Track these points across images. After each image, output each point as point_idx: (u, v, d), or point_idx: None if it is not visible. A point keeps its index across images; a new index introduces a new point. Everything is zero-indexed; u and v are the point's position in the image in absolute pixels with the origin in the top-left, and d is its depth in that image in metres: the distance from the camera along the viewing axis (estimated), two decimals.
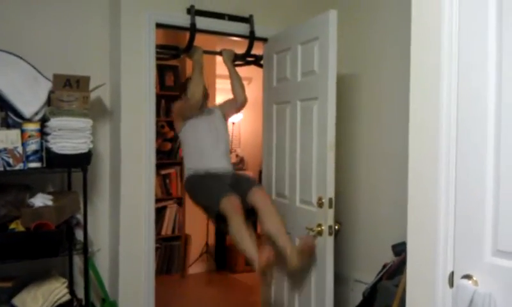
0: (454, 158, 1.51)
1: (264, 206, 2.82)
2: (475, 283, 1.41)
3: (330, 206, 2.61)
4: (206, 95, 3.25)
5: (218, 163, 3.08)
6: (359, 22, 3.07)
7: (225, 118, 3.37)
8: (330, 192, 2.61)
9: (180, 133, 3.24)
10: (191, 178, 3.09)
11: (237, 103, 3.37)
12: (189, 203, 5.06)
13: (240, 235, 2.62)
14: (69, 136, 2.49)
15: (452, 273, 1.51)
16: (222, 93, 4.66)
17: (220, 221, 2.77)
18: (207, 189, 2.90)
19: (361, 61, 3.06)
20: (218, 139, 3.16)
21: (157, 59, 3.07)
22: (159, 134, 4.67)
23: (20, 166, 2.41)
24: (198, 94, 3.04)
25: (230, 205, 2.66)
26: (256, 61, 3.54)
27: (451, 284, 1.51)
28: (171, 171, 5.07)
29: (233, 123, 5.81)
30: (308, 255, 2.64)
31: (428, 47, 1.62)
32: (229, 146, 3.29)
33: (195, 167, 3.07)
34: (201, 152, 3.09)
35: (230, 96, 3.42)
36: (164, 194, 5.04)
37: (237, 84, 3.33)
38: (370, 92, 3.01)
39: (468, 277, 1.42)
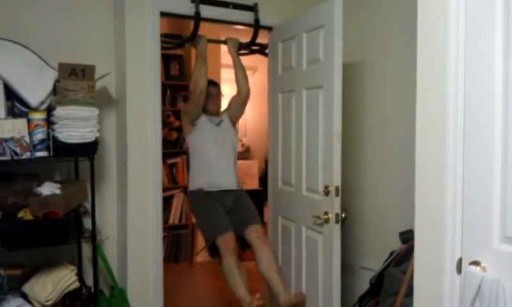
0: (462, 145, 1.51)
1: (260, 247, 2.90)
2: (483, 269, 1.40)
3: (337, 195, 2.61)
4: (218, 103, 3.28)
5: (222, 178, 3.10)
6: (364, 9, 3.04)
7: (234, 121, 3.37)
8: (337, 180, 2.61)
9: (187, 138, 3.27)
10: (193, 194, 3.14)
11: (241, 95, 3.34)
12: None
13: (232, 275, 2.79)
14: (75, 125, 2.49)
15: (460, 259, 1.51)
16: (227, 82, 4.64)
17: (213, 251, 2.89)
18: (206, 218, 2.97)
19: (367, 48, 3.04)
20: (224, 152, 3.17)
21: (162, 48, 3.06)
22: (165, 124, 4.67)
23: (27, 155, 2.42)
24: (201, 83, 3.04)
25: (225, 245, 2.79)
26: (261, 49, 3.52)
27: (459, 270, 1.51)
28: (178, 160, 5.08)
29: None
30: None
31: (435, 36, 1.60)
32: (235, 159, 3.28)
33: (199, 182, 3.11)
34: (206, 166, 3.11)
35: (235, 85, 3.40)
36: (171, 183, 5.06)
37: (241, 74, 3.31)
38: (376, 80, 2.99)
39: (476, 263, 1.42)
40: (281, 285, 2.77)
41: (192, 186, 3.17)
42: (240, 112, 3.43)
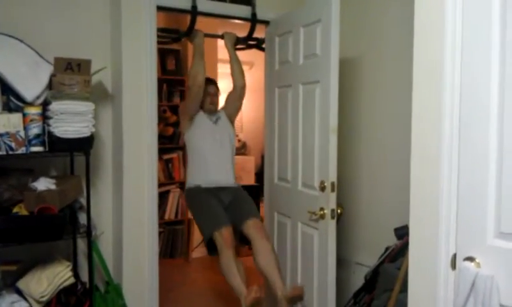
0: (457, 141, 1.51)
1: (259, 241, 2.84)
2: (478, 265, 1.41)
3: (332, 190, 2.60)
4: (216, 102, 3.27)
5: (220, 176, 3.09)
6: (362, 4, 3.03)
7: (232, 118, 3.35)
8: (332, 176, 2.61)
9: (185, 136, 3.24)
10: (191, 191, 3.12)
11: (236, 90, 3.33)
12: None
13: (229, 270, 2.72)
14: (71, 120, 2.47)
15: (455, 255, 1.51)
16: (224, 77, 4.63)
17: (212, 248, 2.87)
18: (203, 214, 2.95)
19: (364, 43, 3.03)
20: (222, 149, 3.16)
21: (158, 42, 3.04)
22: (161, 119, 4.66)
23: (22, 150, 2.40)
24: (200, 78, 3.03)
25: (222, 239, 2.75)
26: (258, 44, 3.51)
27: (453, 266, 1.52)
28: (174, 155, 5.07)
29: None
30: (297, 300, 2.70)
31: (431, 30, 1.60)
32: (234, 156, 3.26)
33: (196, 179, 3.10)
34: (204, 163, 3.09)
35: (231, 80, 3.39)
36: (166, 179, 5.05)
37: (237, 68, 3.30)
38: (373, 75, 2.99)
39: (470, 259, 1.43)
40: (280, 281, 2.71)
41: (190, 183, 3.15)
42: (237, 108, 3.41)
